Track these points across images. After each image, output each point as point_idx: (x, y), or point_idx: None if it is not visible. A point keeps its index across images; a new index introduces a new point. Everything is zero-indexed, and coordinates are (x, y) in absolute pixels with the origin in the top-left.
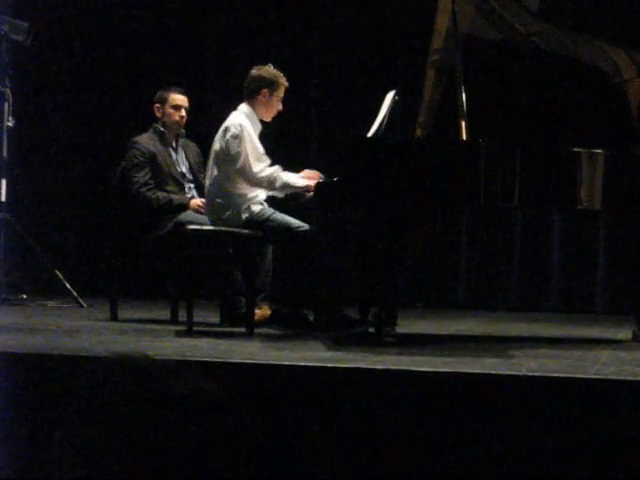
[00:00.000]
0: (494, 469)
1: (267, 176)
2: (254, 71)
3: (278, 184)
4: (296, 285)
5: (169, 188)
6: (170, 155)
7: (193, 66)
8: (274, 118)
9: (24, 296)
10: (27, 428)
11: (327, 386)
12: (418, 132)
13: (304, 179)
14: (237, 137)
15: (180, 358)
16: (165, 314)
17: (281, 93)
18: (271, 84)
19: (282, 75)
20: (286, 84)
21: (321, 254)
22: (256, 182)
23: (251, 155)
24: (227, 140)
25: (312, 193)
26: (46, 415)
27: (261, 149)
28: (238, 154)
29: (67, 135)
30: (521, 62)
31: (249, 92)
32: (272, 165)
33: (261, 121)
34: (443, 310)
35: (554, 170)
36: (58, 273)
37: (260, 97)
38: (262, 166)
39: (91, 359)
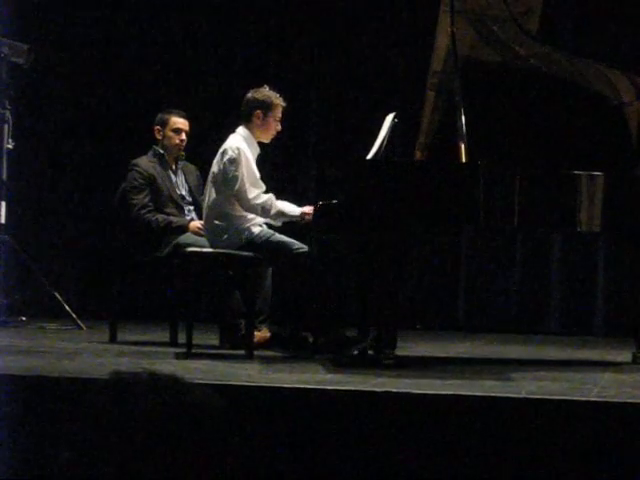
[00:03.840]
0: None
1: (261, 203)
2: (249, 94)
3: (273, 212)
4: (296, 307)
5: (168, 210)
6: (170, 178)
7: (194, 89)
8: (274, 140)
9: (23, 318)
10: (26, 449)
11: (327, 408)
12: (417, 154)
13: (299, 208)
14: (234, 161)
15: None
16: (164, 336)
17: (278, 113)
18: (265, 105)
19: (278, 96)
20: (283, 104)
21: (321, 276)
22: (250, 208)
23: (247, 180)
24: (224, 163)
25: (309, 217)
26: (46, 437)
27: (257, 174)
28: (235, 178)
29: (67, 157)
30: (520, 84)
31: (244, 115)
32: (267, 192)
33: (259, 143)
34: (443, 332)
35: (554, 192)
36: (57, 295)
37: (255, 119)
38: (257, 192)
39: (91, 381)
